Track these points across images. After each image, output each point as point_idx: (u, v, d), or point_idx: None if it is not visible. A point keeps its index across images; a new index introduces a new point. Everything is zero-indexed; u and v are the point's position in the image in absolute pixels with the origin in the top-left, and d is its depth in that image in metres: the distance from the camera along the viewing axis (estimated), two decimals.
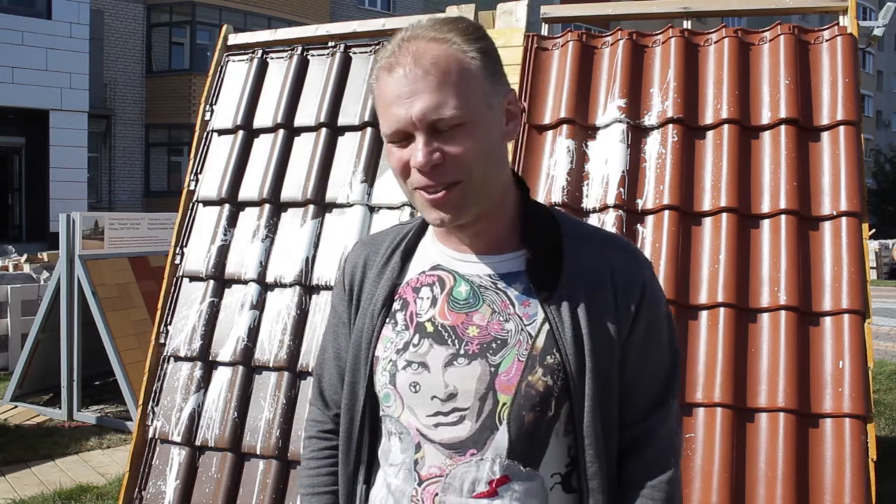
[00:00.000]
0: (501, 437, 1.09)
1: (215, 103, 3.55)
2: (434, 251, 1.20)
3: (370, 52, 3.42)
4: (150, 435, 3.10)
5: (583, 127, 3.00)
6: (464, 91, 1.05)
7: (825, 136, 2.81)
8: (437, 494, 1.11)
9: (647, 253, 2.77)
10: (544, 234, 1.16)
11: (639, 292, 1.14)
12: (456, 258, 1.18)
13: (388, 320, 1.18)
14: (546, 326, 1.11)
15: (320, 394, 1.33)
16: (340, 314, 1.28)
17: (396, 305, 1.19)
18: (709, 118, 2.91)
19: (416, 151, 1.05)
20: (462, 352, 1.12)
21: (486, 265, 1.16)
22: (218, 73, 3.61)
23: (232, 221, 3.30)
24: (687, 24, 3.11)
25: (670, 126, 2.90)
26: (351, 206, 3.15)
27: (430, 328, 1.15)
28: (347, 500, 1.24)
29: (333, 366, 1.29)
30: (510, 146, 3.03)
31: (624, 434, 1.16)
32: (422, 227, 1.25)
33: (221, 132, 3.50)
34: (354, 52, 3.44)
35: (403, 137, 1.07)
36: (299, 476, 1.34)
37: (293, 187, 3.26)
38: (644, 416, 1.16)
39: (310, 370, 2.94)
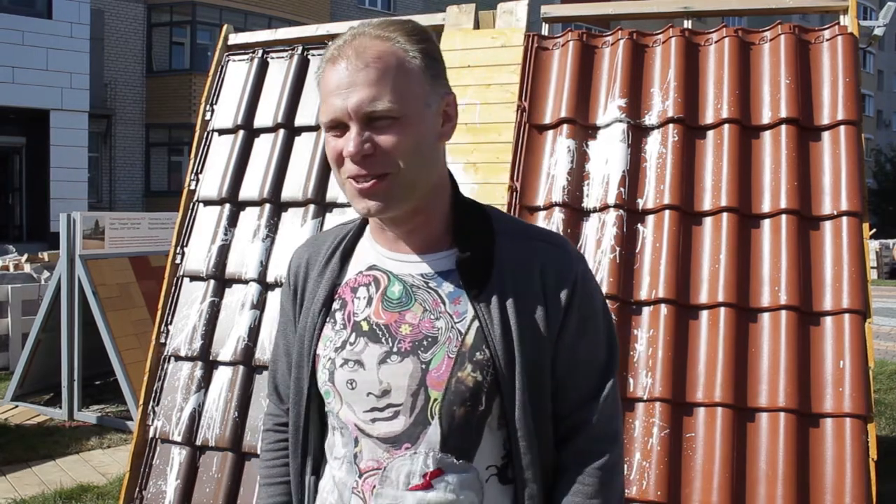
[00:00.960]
0: (434, 432, 1.13)
1: (216, 103, 3.55)
2: (371, 251, 1.24)
3: None
4: (151, 435, 3.10)
5: (583, 126, 3.00)
6: (401, 87, 1.08)
7: (826, 135, 2.81)
8: (375, 486, 1.16)
9: (648, 252, 2.77)
10: (476, 232, 1.19)
11: (569, 287, 1.16)
12: (390, 258, 1.21)
13: (328, 319, 1.23)
14: (476, 323, 1.14)
15: (275, 388, 1.38)
16: (287, 312, 1.34)
17: (336, 305, 1.23)
18: (709, 118, 2.91)
19: (349, 141, 1.09)
20: (395, 349, 1.16)
21: (418, 264, 1.19)
22: (218, 73, 3.61)
23: (232, 221, 3.30)
24: (687, 24, 3.11)
25: (671, 126, 2.90)
26: (351, 205, 3.14)
27: (365, 327, 1.18)
28: (298, 491, 1.29)
29: (284, 361, 1.35)
30: (511, 145, 3.03)
31: (561, 425, 1.19)
32: (360, 228, 1.29)
33: (222, 132, 3.50)
34: None
35: (339, 127, 1.10)
36: (259, 467, 1.40)
37: (294, 187, 3.26)
38: (578, 407, 1.19)
39: None
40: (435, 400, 1.13)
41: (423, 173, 1.13)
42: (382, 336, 1.17)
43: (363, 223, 1.28)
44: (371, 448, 1.16)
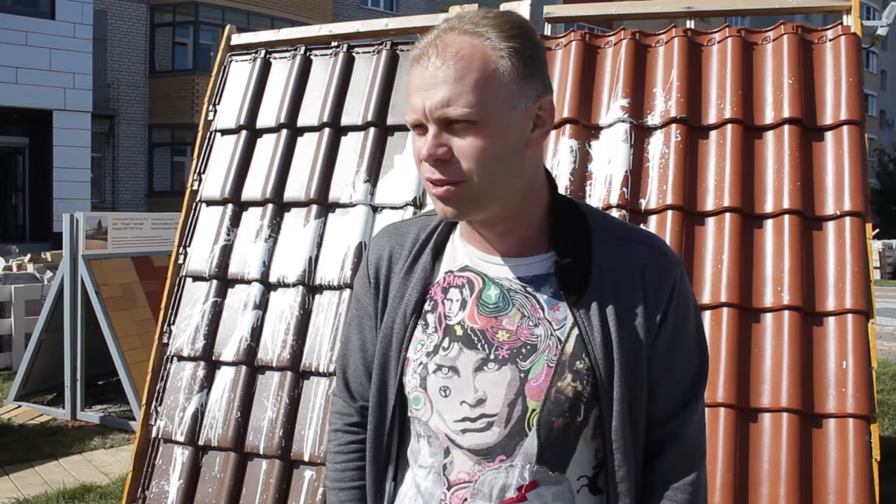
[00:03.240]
0: (531, 444, 1.09)
1: (218, 103, 3.56)
2: (462, 251, 1.18)
3: (373, 51, 3.42)
4: (154, 434, 3.10)
5: (586, 127, 3.00)
6: (481, 90, 1.02)
7: (829, 135, 2.80)
8: (465, 500, 1.11)
9: None
10: (574, 237, 1.14)
11: (668, 292, 1.12)
12: (483, 260, 1.16)
13: (418, 321, 1.17)
14: (575, 331, 1.10)
15: (345, 385, 1.31)
16: (365, 306, 1.26)
17: (427, 306, 1.17)
18: (712, 118, 2.91)
19: (426, 143, 1.04)
20: (492, 357, 1.11)
21: (514, 268, 1.14)
22: (221, 73, 3.62)
23: (235, 221, 3.30)
24: (690, 24, 3.11)
25: (673, 126, 2.90)
26: (354, 206, 3.15)
27: (459, 331, 1.13)
28: (375, 497, 1.23)
29: (359, 358, 1.28)
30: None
31: (650, 435, 1.14)
32: (451, 223, 1.21)
33: (225, 132, 3.50)
34: (357, 52, 3.45)
35: (420, 126, 1.06)
36: (326, 469, 1.33)
37: (296, 187, 3.26)
38: (670, 417, 1.14)
39: (313, 370, 2.95)
40: (533, 411, 1.08)
41: (502, 181, 1.06)
42: (478, 342, 1.12)
43: None
44: (462, 460, 1.11)
